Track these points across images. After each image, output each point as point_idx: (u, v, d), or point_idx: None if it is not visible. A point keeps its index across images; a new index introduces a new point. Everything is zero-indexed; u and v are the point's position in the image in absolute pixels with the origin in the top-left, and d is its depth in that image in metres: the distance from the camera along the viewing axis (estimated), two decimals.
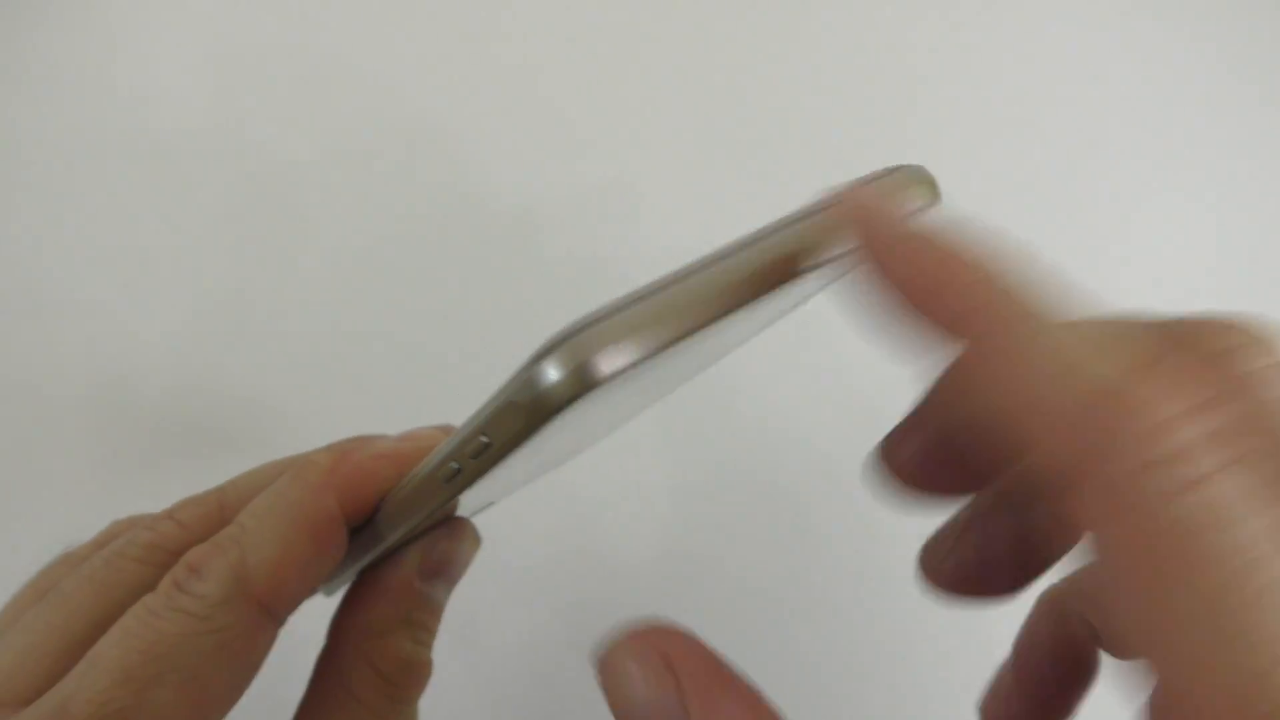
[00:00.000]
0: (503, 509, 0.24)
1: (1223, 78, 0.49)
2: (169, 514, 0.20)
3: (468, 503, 0.19)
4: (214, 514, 0.20)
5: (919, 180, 0.17)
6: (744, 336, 0.23)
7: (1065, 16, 0.48)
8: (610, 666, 0.15)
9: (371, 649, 0.19)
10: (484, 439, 0.14)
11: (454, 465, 0.16)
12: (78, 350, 0.37)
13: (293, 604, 0.18)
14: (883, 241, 0.14)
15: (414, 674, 0.20)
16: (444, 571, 0.20)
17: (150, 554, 0.19)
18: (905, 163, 0.18)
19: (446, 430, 0.20)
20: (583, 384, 0.12)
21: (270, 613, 0.18)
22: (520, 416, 0.13)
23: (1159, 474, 0.10)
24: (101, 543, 0.20)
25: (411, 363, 0.39)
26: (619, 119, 0.43)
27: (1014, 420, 0.12)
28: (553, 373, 0.12)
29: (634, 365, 0.13)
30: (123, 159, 0.38)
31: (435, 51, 0.41)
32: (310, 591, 0.19)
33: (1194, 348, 0.11)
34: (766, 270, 0.14)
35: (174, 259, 0.38)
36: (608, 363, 0.12)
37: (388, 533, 0.19)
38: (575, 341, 0.12)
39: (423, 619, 0.20)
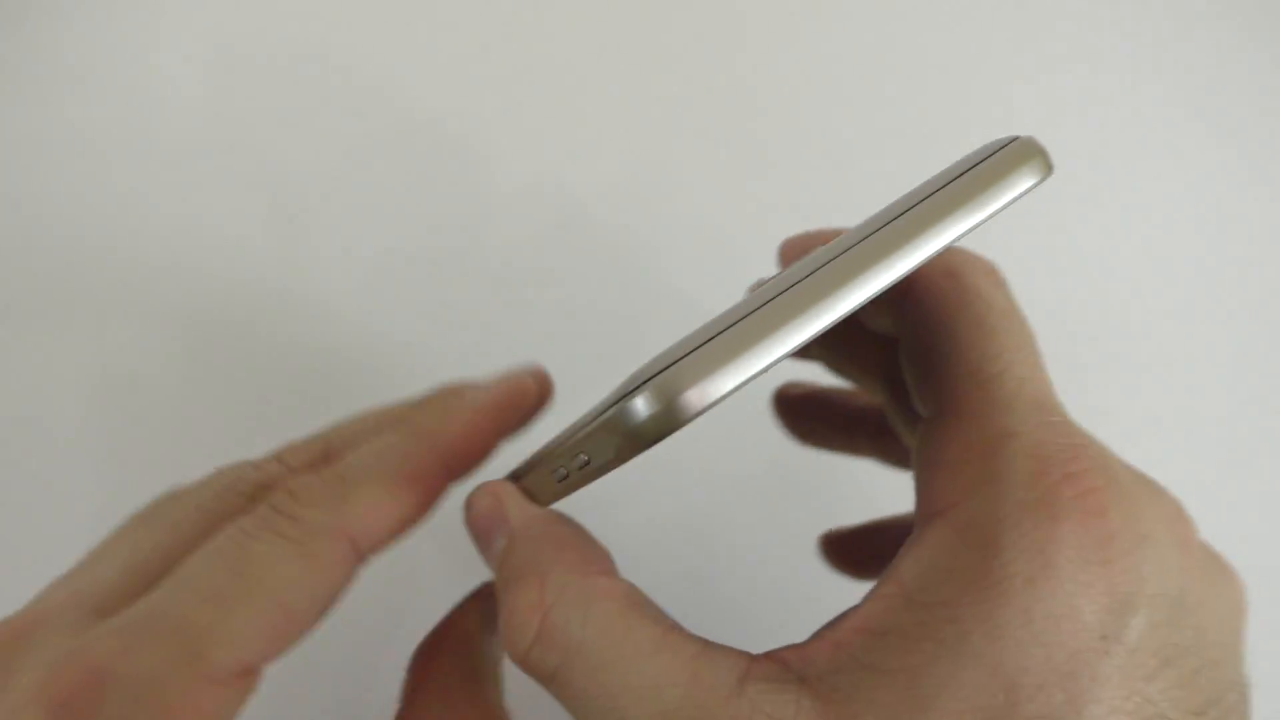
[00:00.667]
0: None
1: (1214, 78, 0.49)
2: (276, 456, 0.21)
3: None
4: (319, 458, 0.21)
5: (1033, 153, 0.17)
6: None
7: (1063, 18, 0.48)
8: (468, 503, 0.20)
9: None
10: (584, 457, 0.16)
11: (562, 470, 0.17)
12: (85, 336, 0.37)
13: (381, 547, 0.19)
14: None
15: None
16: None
17: (257, 491, 0.20)
18: (1017, 135, 0.17)
19: (534, 375, 0.22)
20: (673, 420, 0.13)
21: (358, 551, 0.18)
22: (613, 444, 0.15)
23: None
24: (208, 484, 0.21)
25: (417, 377, 0.39)
26: (648, 114, 0.43)
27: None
28: (644, 408, 0.13)
29: (719, 400, 0.13)
30: (123, 159, 0.38)
31: (439, 50, 0.41)
32: (400, 537, 0.19)
33: None
34: (844, 297, 0.15)
35: (173, 260, 0.38)
36: (698, 398, 0.13)
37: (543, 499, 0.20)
38: (667, 377, 0.13)
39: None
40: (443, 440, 0.20)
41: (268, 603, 0.17)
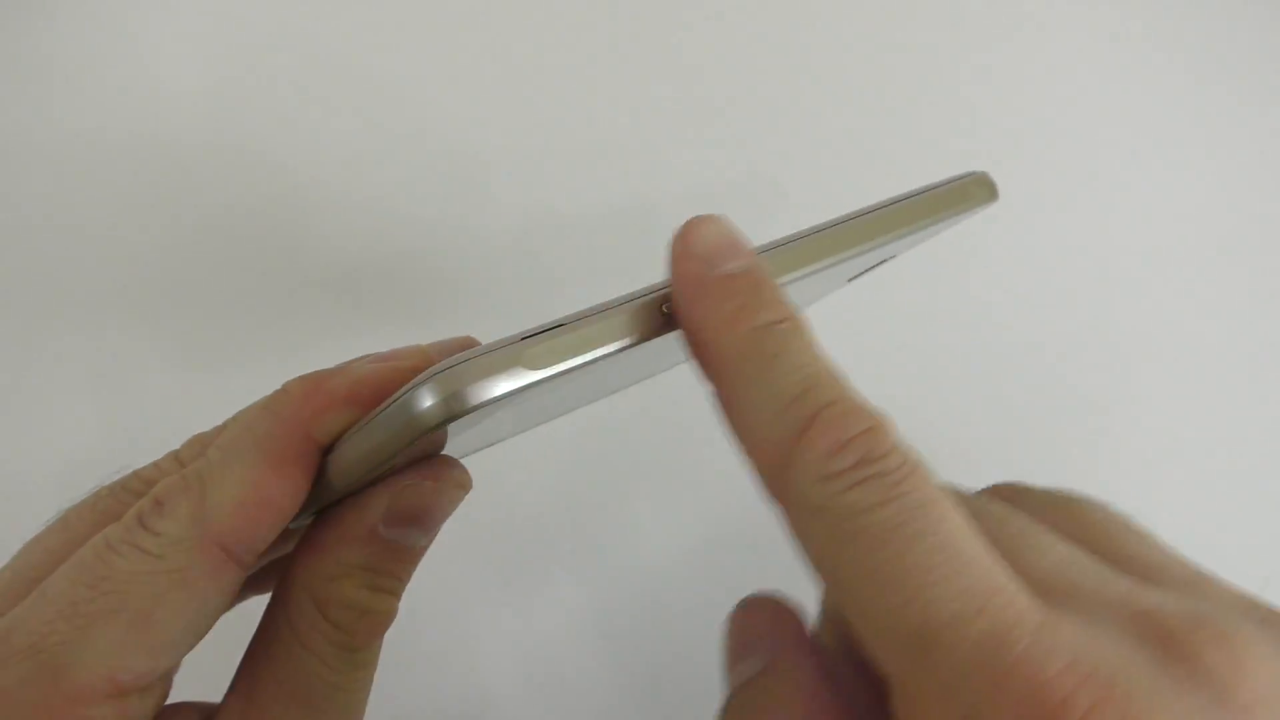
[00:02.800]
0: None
1: (1210, 71, 0.49)
2: (177, 451, 0.20)
3: (458, 444, 0.19)
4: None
5: (981, 184, 0.22)
6: (638, 374, 0.27)
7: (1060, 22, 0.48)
8: (736, 615, 0.18)
9: (321, 593, 0.18)
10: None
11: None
12: (84, 341, 0.37)
13: (258, 545, 0.17)
14: (686, 299, 0.17)
15: (369, 621, 0.18)
16: (416, 521, 0.18)
17: (148, 488, 0.18)
18: (972, 169, 0.22)
19: (437, 346, 0.21)
20: (449, 412, 0.15)
21: (232, 554, 0.17)
22: (398, 431, 0.15)
23: (833, 482, 0.14)
24: (114, 484, 0.19)
25: None
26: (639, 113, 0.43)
27: (744, 449, 0.16)
28: (425, 399, 0.15)
29: (491, 402, 0.15)
30: (123, 159, 0.38)
31: (441, 52, 0.41)
32: (278, 531, 0.17)
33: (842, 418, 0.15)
34: (625, 326, 0.16)
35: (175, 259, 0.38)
36: (474, 395, 0.15)
37: (338, 480, 0.18)
38: (448, 374, 0.15)
39: (387, 566, 0.18)
40: (308, 410, 0.17)
41: (131, 619, 0.16)
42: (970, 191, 0.21)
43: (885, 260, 0.27)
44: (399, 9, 0.41)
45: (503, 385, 0.15)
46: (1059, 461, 0.45)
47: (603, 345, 0.16)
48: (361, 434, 0.17)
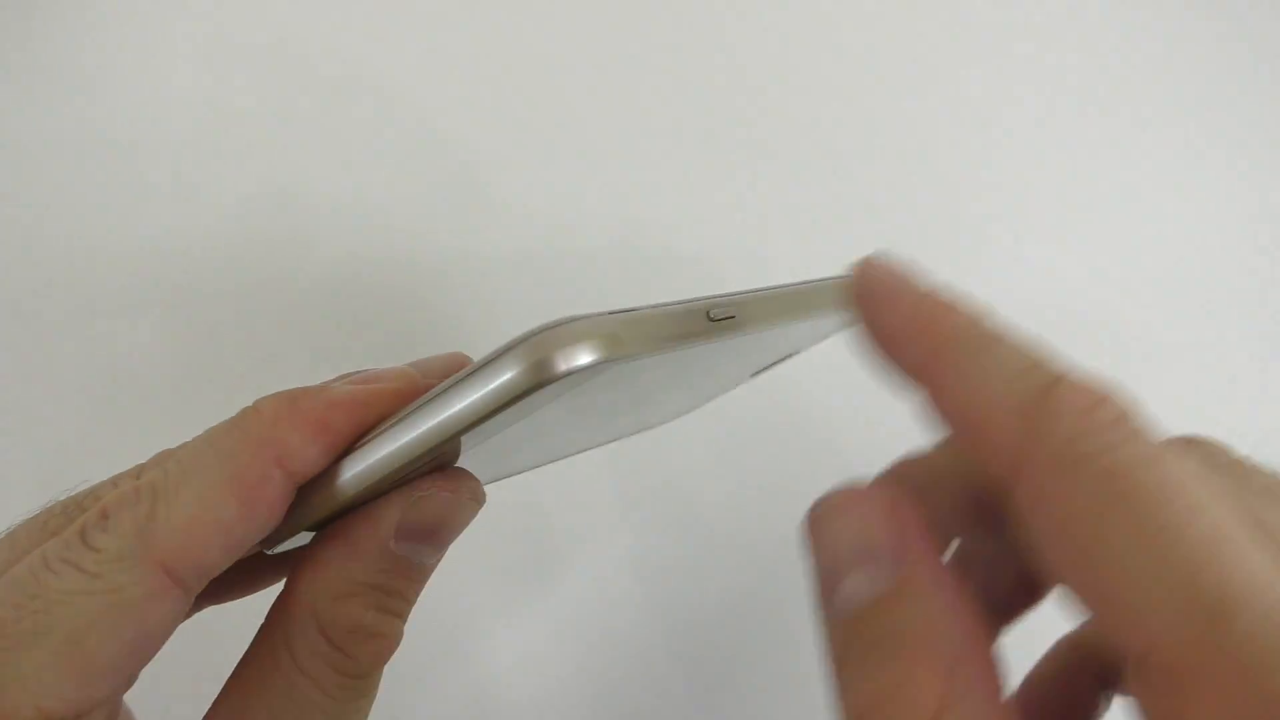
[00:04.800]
0: None
1: (1203, 76, 0.50)
2: (141, 465, 0.18)
3: (475, 466, 0.18)
4: None
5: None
6: (720, 385, 0.26)
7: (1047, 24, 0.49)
8: (825, 517, 0.15)
9: (325, 614, 0.16)
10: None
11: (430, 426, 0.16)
12: (77, 350, 0.36)
13: (206, 570, 0.16)
14: (874, 297, 0.16)
15: (375, 646, 0.17)
16: (430, 536, 0.17)
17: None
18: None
19: (423, 365, 0.19)
20: (539, 378, 0.14)
21: (176, 578, 0.15)
22: (498, 392, 0.14)
23: (1093, 437, 0.13)
24: (73, 495, 0.18)
25: None
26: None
27: (971, 422, 0.14)
28: (514, 364, 0.14)
29: (594, 366, 0.14)
30: (123, 159, 0.38)
31: (442, 52, 0.41)
32: (231, 557, 0.16)
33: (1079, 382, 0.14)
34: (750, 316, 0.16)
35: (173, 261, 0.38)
36: (565, 361, 0.14)
37: (349, 490, 0.16)
38: (542, 338, 0.14)
39: (396, 585, 0.17)
40: (280, 431, 0.16)
41: (61, 643, 0.14)
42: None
43: (789, 355, 0.26)
44: (403, 14, 0.41)
45: (621, 347, 0.14)
46: None
47: (669, 343, 0.15)
48: (404, 423, 0.16)
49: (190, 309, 0.37)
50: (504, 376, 0.14)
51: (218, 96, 0.39)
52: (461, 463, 0.18)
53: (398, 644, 0.17)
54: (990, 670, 0.13)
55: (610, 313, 0.15)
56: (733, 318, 0.16)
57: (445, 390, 0.15)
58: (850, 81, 0.46)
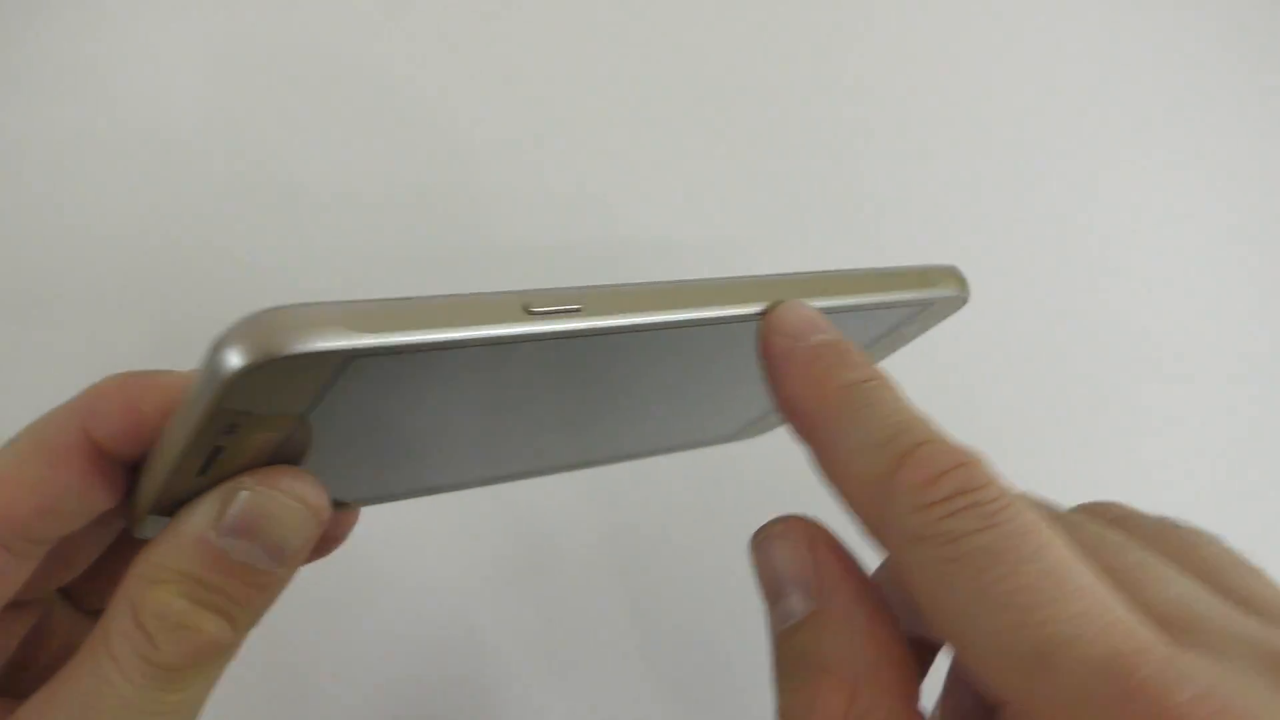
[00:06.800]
0: None
1: (1215, 71, 0.50)
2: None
3: (344, 473, 0.18)
4: None
5: (950, 276, 0.21)
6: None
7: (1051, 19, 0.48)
8: (763, 544, 0.17)
9: (136, 596, 0.16)
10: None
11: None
12: (74, 351, 0.36)
13: (23, 531, 0.16)
14: (773, 354, 0.18)
15: (185, 638, 0.16)
16: (248, 534, 0.16)
17: None
18: (939, 263, 0.21)
19: None
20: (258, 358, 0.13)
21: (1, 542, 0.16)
22: (200, 387, 0.14)
23: (933, 509, 0.14)
24: None
25: None
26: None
27: (840, 490, 0.16)
28: (234, 343, 0.14)
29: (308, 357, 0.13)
30: (123, 160, 0.38)
31: (442, 51, 0.41)
32: (52, 525, 0.17)
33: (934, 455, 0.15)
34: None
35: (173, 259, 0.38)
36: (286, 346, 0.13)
37: (161, 471, 0.16)
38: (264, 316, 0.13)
39: (216, 580, 0.16)
40: (88, 402, 0.17)
41: None
42: (932, 279, 0.20)
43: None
44: (405, 16, 0.41)
45: (326, 343, 0.13)
46: (1059, 463, 0.44)
47: (450, 329, 0.14)
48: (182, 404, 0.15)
49: (191, 309, 0.37)
50: (215, 359, 0.14)
51: (218, 96, 0.39)
52: (324, 468, 0.17)
53: (223, 648, 0.17)
54: (901, 685, 0.15)
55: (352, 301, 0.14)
56: (578, 309, 0.15)
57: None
58: (851, 81, 0.46)
